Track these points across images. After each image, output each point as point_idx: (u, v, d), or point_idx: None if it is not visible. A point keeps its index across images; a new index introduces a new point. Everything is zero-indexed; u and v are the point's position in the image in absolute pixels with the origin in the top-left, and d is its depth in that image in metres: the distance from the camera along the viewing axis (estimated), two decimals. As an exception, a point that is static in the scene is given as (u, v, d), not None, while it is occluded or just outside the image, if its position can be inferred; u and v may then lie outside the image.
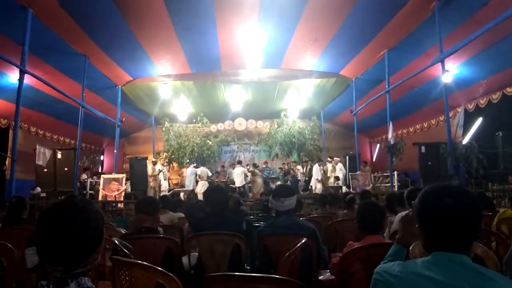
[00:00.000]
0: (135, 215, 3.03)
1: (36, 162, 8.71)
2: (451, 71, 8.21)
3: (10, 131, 9.43)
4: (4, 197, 6.08)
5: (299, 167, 13.59)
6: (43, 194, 9.28)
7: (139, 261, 1.77)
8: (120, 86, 10.92)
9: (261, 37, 8.35)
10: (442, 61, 7.01)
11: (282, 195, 2.87)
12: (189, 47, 9.05)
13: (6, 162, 9.32)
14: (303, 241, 2.37)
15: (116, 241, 2.25)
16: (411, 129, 13.26)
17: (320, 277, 2.86)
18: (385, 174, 12.31)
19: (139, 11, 7.25)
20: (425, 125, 12.31)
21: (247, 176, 12.53)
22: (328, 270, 2.63)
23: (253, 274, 1.69)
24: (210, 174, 12.80)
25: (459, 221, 1.15)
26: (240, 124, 15.48)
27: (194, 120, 14.10)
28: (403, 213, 2.61)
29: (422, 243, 1.24)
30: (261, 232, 2.84)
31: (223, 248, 2.77)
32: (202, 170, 12.46)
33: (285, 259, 2.17)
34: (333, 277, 2.54)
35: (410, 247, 1.64)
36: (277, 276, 1.66)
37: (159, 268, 1.68)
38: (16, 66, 6.39)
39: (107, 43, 8.35)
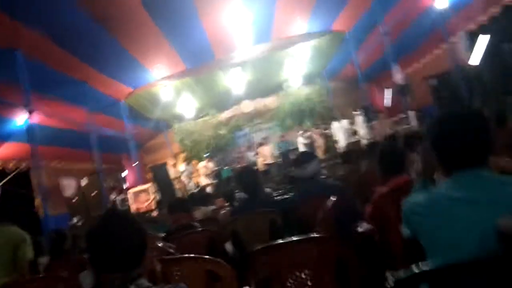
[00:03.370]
0: (171, 217, 3.13)
1: (64, 195, 8.97)
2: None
3: (31, 172, 9.67)
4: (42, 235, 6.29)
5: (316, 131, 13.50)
6: (80, 223, 9.58)
7: (185, 255, 1.85)
8: (123, 100, 11.02)
9: (246, 14, 8.27)
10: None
11: (303, 161, 2.91)
12: (178, 44, 9.04)
13: (35, 202, 9.61)
14: (334, 199, 2.41)
15: (160, 244, 2.34)
16: (417, 65, 12.94)
17: (359, 229, 2.91)
18: (401, 117, 12.15)
19: (123, 23, 7.32)
20: (430, 57, 12.00)
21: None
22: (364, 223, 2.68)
23: (290, 239, 1.75)
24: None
25: (468, 137, 1.17)
26: (247, 106, 15.43)
27: (201, 115, 14.16)
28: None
29: (441, 171, 1.27)
30: (292, 201, 2.90)
31: (261, 226, 2.84)
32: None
33: (319, 222, 2.23)
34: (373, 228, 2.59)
35: None
36: (314, 235, 1.71)
37: (205, 256, 1.75)
38: (23, 106, 6.53)
39: (100, 62, 8.44)
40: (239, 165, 13.23)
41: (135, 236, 1.27)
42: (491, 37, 9.87)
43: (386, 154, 2.33)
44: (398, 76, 9.22)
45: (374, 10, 8.73)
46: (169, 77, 10.90)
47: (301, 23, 9.87)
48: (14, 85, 6.81)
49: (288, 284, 1.94)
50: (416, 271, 1.02)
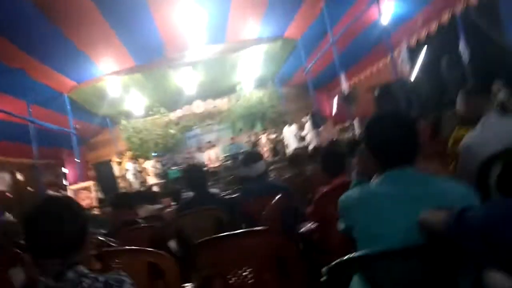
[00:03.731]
0: (111, 212, 3.05)
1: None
2: (389, 10, 8.43)
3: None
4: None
5: (264, 135, 13.76)
6: (13, 219, 8.96)
7: (127, 247, 1.83)
8: (66, 94, 10.50)
9: (200, 14, 8.22)
10: (378, 1, 7.21)
11: (250, 161, 2.97)
12: (128, 39, 8.77)
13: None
14: (278, 197, 2.50)
15: (100, 237, 2.29)
16: (363, 76, 13.62)
17: (301, 230, 3.03)
18: (346, 124, 12.69)
19: (68, 13, 6.95)
20: (375, 69, 12.68)
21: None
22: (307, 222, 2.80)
23: (236, 231, 1.80)
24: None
25: (397, 138, 1.29)
26: (198, 107, 15.32)
27: (150, 113, 13.85)
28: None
29: (375, 168, 1.38)
30: (238, 199, 2.95)
31: (206, 223, 2.86)
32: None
33: (264, 217, 2.30)
34: (313, 226, 2.71)
35: None
36: (258, 228, 1.77)
37: (147, 249, 1.75)
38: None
39: (42, 52, 7.96)
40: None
41: (74, 220, 1.25)
42: (429, 52, 10.64)
43: (328, 157, 2.47)
44: (344, 84, 9.64)
45: (323, 19, 9.08)
46: (117, 72, 10.53)
47: (255, 27, 10.01)
48: None
49: (230, 282, 1.99)
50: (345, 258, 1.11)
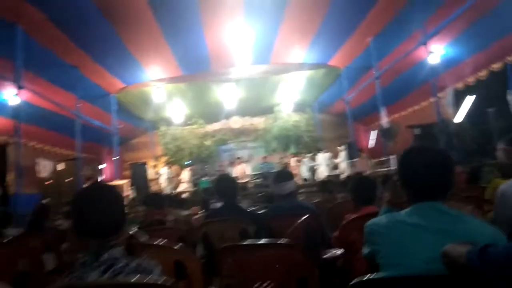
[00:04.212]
0: (143, 210, 3.18)
1: (39, 175, 8.84)
2: (437, 52, 8.39)
3: (9, 148, 9.51)
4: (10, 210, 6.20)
5: (293, 159, 13.79)
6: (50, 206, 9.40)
7: (156, 243, 1.92)
8: (114, 94, 11.03)
9: (248, 34, 8.50)
10: (426, 43, 7.18)
11: (282, 179, 3.03)
12: (178, 49, 9.18)
13: (7, 178, 9.42)
14: (306, 216, 2.53)
15: (131, 232, 2.40)
16: (403, 113, 13.43)
17: (325, 256, 3.02)
18: (382, 159, 12.49)
19: (126, 18, 7.41)
20: (417, 107, 12.48)
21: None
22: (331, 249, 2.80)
23: (260, 242, 1.86)
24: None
25: (430, 172, 1.33)
26: (236, 122, 15.60)
27: (189, 122, 14.26)
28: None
29: (406, 199, 1.42)
30: (265, 215, 3.01)
31: (232, 233, 2.93)
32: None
33: (289, 234, 2.34)
34: (337, 253, 2.71)
35: None
36: (283, 242, 1.82)
37: (175, 247, 1.84)
38: (13, 82, 6.51)
39: (97, 52, 8.47)
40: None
41: (117, 206, 1.39)
42: (475, 98, 10.39)
43: (360, 185, 2.49)
44: (384, 119, 9.57)
45: (370, 53, 9.13)
46: (163, 80, 11.00)
47: (300, 52, 10.19)
48: (7, 59, 6.80)
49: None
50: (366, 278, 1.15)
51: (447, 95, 10.60)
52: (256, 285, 2.03)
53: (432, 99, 11.11)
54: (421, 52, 7.96)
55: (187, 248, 2.76)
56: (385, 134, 9.91)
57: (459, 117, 10.48)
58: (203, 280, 2.00)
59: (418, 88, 10.78)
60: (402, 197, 1.65)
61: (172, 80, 11.11)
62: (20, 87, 6.61)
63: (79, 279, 1.27)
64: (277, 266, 1.89)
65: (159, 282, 1.24)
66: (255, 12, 7.86)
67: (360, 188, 2.50)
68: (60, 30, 7.10)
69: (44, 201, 9.29)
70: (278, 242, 1.83)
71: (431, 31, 7.00)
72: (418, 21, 7.06)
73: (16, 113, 6.73)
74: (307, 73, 11.44)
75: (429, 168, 1.33)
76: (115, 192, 1.43)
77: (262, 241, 1.90)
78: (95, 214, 1.32)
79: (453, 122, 8.99)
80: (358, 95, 11.10)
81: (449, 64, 9.02)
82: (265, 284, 2.08)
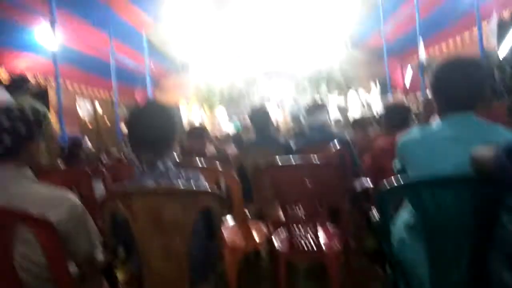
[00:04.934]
0: (187, 141, 3.36)
1: (79, 116, 9.19)
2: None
3: (48, 89, 9.82)
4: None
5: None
6: (90, 146, 9.88)
7: (200, 164, 2.07)
8: (144, 33, 10.96)
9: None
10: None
11: (315, 110, 3.07)
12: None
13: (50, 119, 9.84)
14: (337, 147, 2.60)
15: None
16: (443, 46, 12.68)
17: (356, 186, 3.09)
18: (418, 95, 12.09)
19: None
20: (458, 40, 11.73)
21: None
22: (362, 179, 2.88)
23: (299, 163, 1.95)
24: None
25: (459, 82, 1.34)
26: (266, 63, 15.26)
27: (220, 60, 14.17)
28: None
29: (437, 112, 1.45)
30: (297, 144, 3.09)
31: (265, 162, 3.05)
32: None
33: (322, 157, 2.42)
34: (367, 186, 2.78)
35: None
36: (317, 162, 1.91)
37: (218, 168, 1.97)
38: (46, 17, 6.57)
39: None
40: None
41: (168, 121, 1.53)
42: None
43: (394, 109, 2.49)
44: (423, 53, 9.12)
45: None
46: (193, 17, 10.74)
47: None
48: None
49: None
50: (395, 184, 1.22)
51: (490, 26, 9.86)
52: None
53: (474, 29, 10.41)
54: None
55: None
56: (423, 69, 9.47)
57: (503, 49, 9.79)
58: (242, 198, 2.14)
59: (459, 19, 10.07)
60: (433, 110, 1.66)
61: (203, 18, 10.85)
62: (53, 22, 6.61)
63: (139, 184, 1.45)
64: (310, 186, 1.99)
65: (218, 193, 1.38)
66: None
67: (393, 112, 2.50)
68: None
69: (86, 140, 9.80)
70: (313, 162, 1.91)
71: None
72: None
73: (53, 53, 6.85)
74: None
75: (464, 78, 1.34)
76: (166, 109, 1.56)
77: (297, 161, 2.00)
78: (149, 129, 1.47)
79: (496, 54, 8.44)
80: (395, 27, 10.51)
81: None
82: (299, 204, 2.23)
